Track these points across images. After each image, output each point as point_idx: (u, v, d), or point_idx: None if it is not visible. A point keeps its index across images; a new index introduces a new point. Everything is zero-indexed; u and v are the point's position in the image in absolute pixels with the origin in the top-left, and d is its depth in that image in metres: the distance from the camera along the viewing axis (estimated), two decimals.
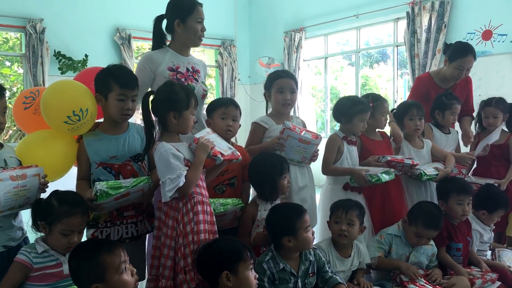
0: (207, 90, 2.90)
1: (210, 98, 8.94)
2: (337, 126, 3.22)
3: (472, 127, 3.83)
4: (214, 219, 2.28)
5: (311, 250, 2.40)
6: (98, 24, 7.62)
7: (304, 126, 3.10)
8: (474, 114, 3.85)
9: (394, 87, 7.46)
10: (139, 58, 2.85)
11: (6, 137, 8.38)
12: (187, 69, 2.79)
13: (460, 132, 3.77)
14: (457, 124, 3.74)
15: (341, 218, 2.60)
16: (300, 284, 2.33)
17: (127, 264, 1.76)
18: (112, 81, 2.27)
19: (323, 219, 2.92)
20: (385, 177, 2.85)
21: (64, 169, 2.42)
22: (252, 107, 8.82)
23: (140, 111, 2.34)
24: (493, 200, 3.15)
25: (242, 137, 3.40)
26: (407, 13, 6.70)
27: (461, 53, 3.51)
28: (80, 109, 2.23)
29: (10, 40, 8.99)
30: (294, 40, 8.46)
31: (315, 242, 2.72)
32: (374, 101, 3.10)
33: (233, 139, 2.81)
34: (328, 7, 7.97)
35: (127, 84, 2.29)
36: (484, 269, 2.95)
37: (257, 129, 2.95)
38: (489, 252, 3.32)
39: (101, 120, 2.45)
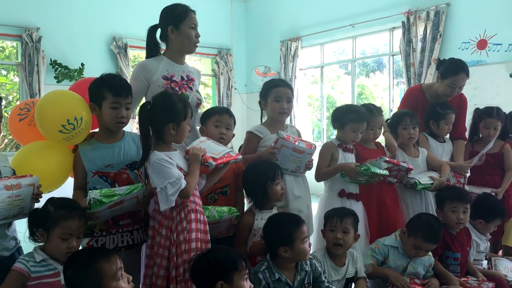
0: (201, 99, 2.90)
1: (208, 106, 8.97)
2: (334, 135, 3.21)
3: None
4: (207, 228, 2.27)
5: (307, 260, 2.39)
6: (94, 33, 7.64)
7: (299, 135, 3.10)
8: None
9: (390, 96, 7.49)
10: None
11: (2, 146, 8.35)
12: (182, 78, 2.79)
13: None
14: None
15: (336, 226, 2.59)
16: None
17: (123, 271, 1.75)
18: (105, 90, 2.28)
19: (320, 228, 2.90)
20: (375, 169, 2.79)
21: (61, 179, 2.42)
22: (248, 116, 8.83)
23: (137, 119, 2.33)
24: (490, 209, 3.15)
25: (238, 145, 3.40)
26: (403, 22, 6.74)
27: (453, 71, 3.42)
28: (74, 118, 2.23)
29: (6, 49, 8.99)
30: (291, 49, 8.49)
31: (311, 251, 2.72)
32: (367, 113, 3.08)
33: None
34: (324, 16, 8.02)
35: (120, 92, 2.29)
36: (480, 279, 2.94)
37: (251, 139, 2.94)
38: (485, 261, 3.32)
39: (97, 130, 2.44)
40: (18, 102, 7.68)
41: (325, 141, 8.29)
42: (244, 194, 2.77)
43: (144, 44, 2.89)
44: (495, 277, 3.01)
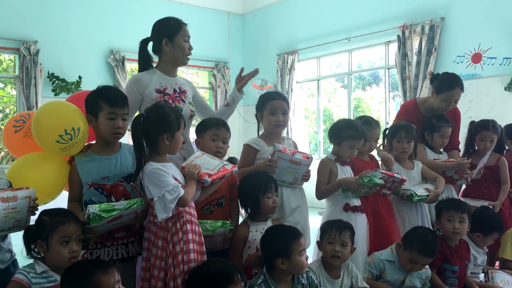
0: (194, 111, 2.91)
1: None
2: (330, 148, 3.22)
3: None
4: (203, 240, 2.27)
5: (303, 273, 2.38)
6: (92, 46, 7.68)
7: (296, 147, 3.11)
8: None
9: (386, 109, 7.52)
10: None
11: None
12: (174, 90, 2.80)
13: None
14: None
15: (334, 239, 2.57)
16: None
17: (120, 284, 1.74)
18: (102, 101, 2.28)
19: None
20: (376, 180, 2.82)
21: (56, 191, 2.40)
22: (245, 128, 8.85)
23: None
24: (488, 223, 3.15)
25: (235, 159, 3.40)
26: (398, 36, 6.81)
27: (448, 86, 3.42)
28: (72, 128, 2.23)
29: (4, 62, 9.02)
30: (287, 62, 8.55)
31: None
32: (362, 124, 3.08)
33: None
34: (320, 30, 8.09)
35: (116, 103, 2.30)
36: None
37: (248, 151, 2.95)
38: (482, 274, 3.31)
39: (94, 142, 2.44)
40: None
41: (321, 154, 8.37)
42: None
43: None
44: None
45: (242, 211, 2.77)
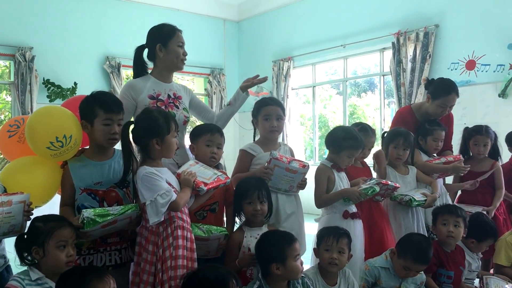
0: (188, 116, 2.91)
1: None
2: (326, 154, 3.22)
3: None
4: (194, 247, 2.26)
5: (299, 279, 2.38)
6: (87, 52, 7.69)
7: (292, 153, 3.11)
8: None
9: (381, 116, 7.55)
10: None
11: None
12: (169, 96, 2.80)
13: None
14: None
15: (332, 246, 2.56)
16: None
17: None
18: (97, 107, 2.28)
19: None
20: (376, 188, 2.85)
21: (48, 195, 2.40)
22: (241, 135, 8.85)
23: None
24: (482, 229, 3.15)
25: (230, 164, 3.40)
26: (393, 43, 6.85)
27: (444, 91, 3.44)
28: (63, 136, 2.23)
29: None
30: (283, 69, 8.58)
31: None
32: (359, 131, 3.09)
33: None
34: (315, 37, 8.13)
35: (112, 109, 2.30)
36: None
37: (244, 156, 2.96)
38: (476, 280, 3.31)
39: (87, 147, 2.44)
40: None
41: (317, 160, 8.37)
42: None
43: None
44: None
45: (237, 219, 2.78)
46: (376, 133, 3.35)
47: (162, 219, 2.10)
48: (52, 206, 2.42)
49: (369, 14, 7.32)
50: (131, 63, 2.93)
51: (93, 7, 7.79)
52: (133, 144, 2.29)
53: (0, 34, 6.91)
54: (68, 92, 7.19)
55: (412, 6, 6.77)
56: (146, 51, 2.86)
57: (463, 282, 3.09)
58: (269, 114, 2.93)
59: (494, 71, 5.93)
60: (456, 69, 6.26)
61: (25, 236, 2.01)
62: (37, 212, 2.19)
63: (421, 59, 6.55)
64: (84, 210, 2.10)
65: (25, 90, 6.94)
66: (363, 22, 7.39)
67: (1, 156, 8.16)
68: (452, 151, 3.77)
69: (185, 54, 2.84)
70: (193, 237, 2.28)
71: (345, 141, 2.90)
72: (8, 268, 2.24)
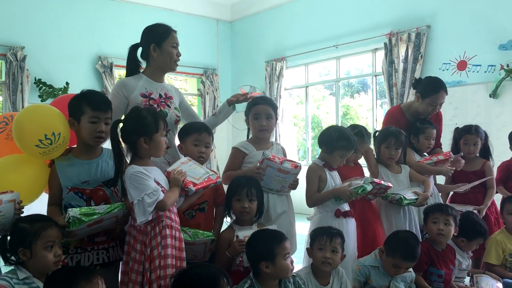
0: (179, 116, 2.90)
1: None
2: (319, 154, 3.22)
3: None
4: (183, 246, 2.26)
5: (290, 278, 2.38)
6: (80, 52, 7.65)
7: (284, 153, 3.11)
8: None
9: (374, 116, 7.57)
10: None
11: None
12: (160, 95, 2.80)
13: None
14: None
15: (325, 246, 2.56)
16: None
17: None
18: (85, 104, 2.27)
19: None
20: (368, 186, 2.85)
21: (35, 194, 2.38)
22: (234, 135, 8.84)
23: None
24: (472, 228, 3.17)
25: (223, 165, 3.39)
26: (385, 44, 6.88)
27: (433, 89, 3.47)
28: (52, 133, 2.21)
29: None
30: (276, 69, 8.58)
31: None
32: (355, 135, 3.07)
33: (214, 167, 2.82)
34: (308, 37, 8.15)
35: (100, 107, 2.29)
36: None
37: (236, 154, 2.96)
38: (467, 279, 3.33)
39: (75, 146, 2.42)
40: None
41: (310, 161, 8.38)
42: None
43: None
44: None
45: (228, 219, 2.78)
46: (371, 137, 3.35)
47: (150, 218, 2.09)
48: (38, 205, 2.41)
49: (362, 15, 7.34)
50: (124, 63, 2.92)
51: (85, 7, 7.75)
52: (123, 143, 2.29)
53: None
54: (60, 92, 7.13)
55: (404, 7, 6.80)
56: (140, 49, 2.84)
57: (453, 281, 3.11)
58: (258, 113, 2.93)
59: (485, 72, 5.96)
60: (447, 69, 6.29)
61: (11, 237, 1.99)
62: (28, 211, 2.18)
63: (413, 60, 6.57)
64: (69, 209, 2.09)
65: (17, 89, 6.89)
66: (355, 23, 7.41)
67: None
68: (442, 149, 3.78)
69: (178, 55, 2.83)
70: (182, 236, 2.28)
71: (338, 141, 2.90)
72: None
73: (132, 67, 2.84)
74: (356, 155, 3.21)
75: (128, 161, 2.31)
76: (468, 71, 6.12)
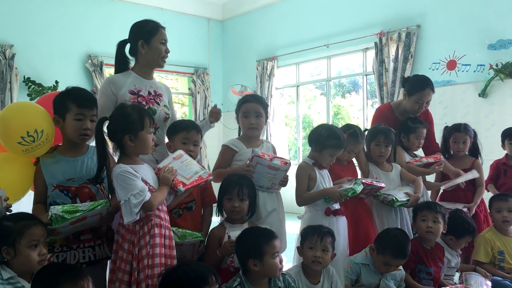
0: (169, 113, 2.87)
1: None
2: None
3: None
4: (174, 244, 2.25)
5: (279, 276, 2.36)
6: (69, 50, 7.59)
7: (274, 151, 3.11)
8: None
9: (364, 116, 7.59)
10: None
11: None
12: (149, 93, 2.77)
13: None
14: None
15: (316, 244, 2.56)
16: None
17: None
18: (69, 101, 2.25)
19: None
20: (358, 188, 2.85)
21: (20, 193, 2.35)
22: (225, 134, 8.81)
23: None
24: (460, 226, 3.18)
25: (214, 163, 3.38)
26: (375, 43, 6.90)
27: (419, 87, 3.48)
28: (34, 130, 2.19)
29: None
30: (267, 69, 8.58)
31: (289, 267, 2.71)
32: (349, 136, 3.09)
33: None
34: (299, 36, 8.15)
35: (85, 104, 2.26)
36: None
37: (226, 152, 2.95)
38: (456, 277, 3.35)
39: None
40: None
41: (301, 160, 8.37)
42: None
43: None
44: None
45: (218, 218, 2.78)
46: (364, 138, 3.34)
47: (137, 218, 2.07)
48: (24, 204, 2.39)
49: (352, 14, 7.35)
50: (114, 62, 2.89)
51: (75, 5, 7.69)
52: (109, 141, 2.26)
53: None
54: (49, 91, 7.06)
55: (394, 6, 6.82)
56: (128, 46, 2.82)
57: (443, 279, 3.12)
58: (247, 111, 2.92)
59: (474, 71, 5.99)
60: (437, 69, 6.32)
61: None
62: (17, 210, 2.16)
63: (403, 59, 6.60)
64: (52, 207, 2.07)
65: (5, 88, 6.82)
66: (346, 22, 7.42)
67: None
68: (440, 152, 3.76)
69: (167, 51, 2.80)
70: (172, 235, 2.26)
71: (328, 140, 2.89)
72: None
73: (120, 64, 2.81)
74: (350, 154, 3.21)
75: (114, 159, 2.29)
76: (458, 70, 6.15)
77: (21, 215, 1.98)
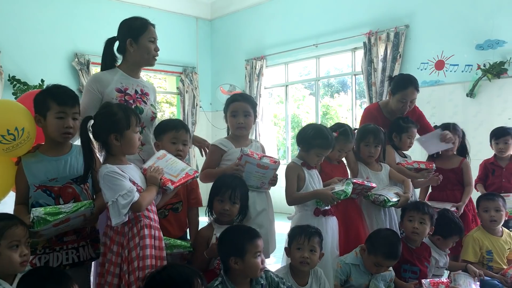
0: (156, 112, 2.83)
1: None
2: None
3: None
4: (163, 245, 2.21)
5: (262, 275, 2.32)
6: (55, 49, 7.49)
7: (263, 150, 3.08)
8: None
9: (353, 116, 7.60)
10: None
11: None
12: (136, 91, 2.71)
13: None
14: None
15: (303, 245, 2.54)
16: None
17: None
18: (50, 99, 2.19)
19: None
20: (348, 189, 2.83)
21: (1, 193, 2.29)
22: (213, 134, 8.78)
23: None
24: (447, 226, 3.18)
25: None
26: (364, 43, 6.91)
27: (402, 85, 3.49)
28: (15, 128, 2.13)
29: None
30: (255, 68, 8.55)
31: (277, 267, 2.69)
32: (340, 134, 3.07)
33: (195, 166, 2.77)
34: (288, 36, 8.14)
35: (66, 101, 2.21)
36: None
37: (215, 151, 2.91)
38: (446, 274, 3.34)
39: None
40: None
41: (290, 160, 8.36)
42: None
43: None
44: None
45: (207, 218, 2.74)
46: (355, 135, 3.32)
47: (126, 219, 2.02)
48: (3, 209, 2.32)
49: (341, 14, 7.36)
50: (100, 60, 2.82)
51: (61, 2, 7.59)
52: (94, 141, 2.21)
53: None
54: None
55: (383, 6, 6.83)
56: (116, 43, 2.76)
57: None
58: (236, 111, 2.88)
59: (462, 71, 6.03)
60: (425, 69, 6.35)
61: None
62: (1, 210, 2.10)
63: (392, 59, 6.61)
64: (33, 209, 2.01)
65: None
66: (335, 22, 7.43)
67: None
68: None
69: (157, 49, 2.74)
70: (162, 236, 2.22)
71: (315, 139, 2.86)
72: None
73: (107, 62, 2.74)
74: (340, 153, 3.18)
75: (100, 159, 2.24)
76: (446, 70, 6.18)
77: (1, 216, 1.92)
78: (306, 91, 11.43)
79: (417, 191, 3.77)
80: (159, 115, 2.95)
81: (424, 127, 3.74)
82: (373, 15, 6.90)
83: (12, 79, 6.89)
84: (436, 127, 3.85)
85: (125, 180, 2.06)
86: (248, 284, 2.28)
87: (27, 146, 2.24)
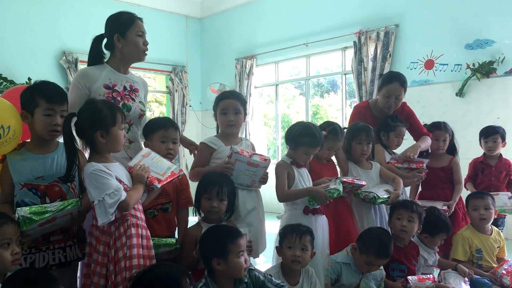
0: (144, 110, 2.78)
1: None
2: None
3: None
4: (151, 244, 2.17)
5: (245, 275, 2.28)
6: (43, 46, 7.39)
7: (253, 148, 3.06)
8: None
9: (343, 115, 7.60)
10: None
11: None
12: (124, 88, 2.66)
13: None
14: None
15: (294, 243, 2.52)
16: None
17: None
18: (38, 96, 2.15)
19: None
20: (341, 188, 2.81)
21: None
22: (203, 133, 8.74)
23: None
24: (434, 224, 3.19)
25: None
26: (354, 42, 6.91)
27: (386, 80, 3.50)
28: (1, 126, 2.09)
29: None
30: (245, 67, 8.52)
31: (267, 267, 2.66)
32: (329, 133, 3.05)
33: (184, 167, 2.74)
34: (278, 35, 8.12)
35: (55, 99, 2.17)
36: None
37: (204, 149, 2.87)
38: (436, 273, 3.34)
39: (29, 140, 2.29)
40: None
41: (279, 160, 8.34)
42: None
43: None
44: None
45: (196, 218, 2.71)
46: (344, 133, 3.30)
47: (112, 219, 1.98)
48: None
49: (331, 13, 7.36)
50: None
51: (48, 0, 7.50)
52: (77, 139, 2.15)
53: None
54: None
55: (373, 6, 6.85)
56: (105, 40, 2.70)
57: None
58: (226, 108, 2.85)
59: (451, 71, 6.06)
60: (415, 68, 6.37)
61: None
62: None
63: (382, 58, 6.63)
64: (18, 208, 1.97)
65: None
66: (325, 21, 7.43)
67: None
68: (429, 135, 3.74)
69: (145, 43, 2.68)
70: (149, 234, 2.18)
71: (302, 137, 2.84)
72: None
73: (94, 58, 2.68)
74: (329, 152, 3.17)
75: (85, 156, 2.19)
76: (435, 70, 6.21)
77: None
78: (296, 91, 11.44)
79: (407, 189, 3.76)
80: (148, 114, 2.90)
81: (413, 126, 3.73)
82: (363, 15, 6.91)
83: None
84: (425, 125, 3.85)
85: (112, 178, 2.01)
86: (231, 285, 2.24)
87: (13, 144, 2.19)
